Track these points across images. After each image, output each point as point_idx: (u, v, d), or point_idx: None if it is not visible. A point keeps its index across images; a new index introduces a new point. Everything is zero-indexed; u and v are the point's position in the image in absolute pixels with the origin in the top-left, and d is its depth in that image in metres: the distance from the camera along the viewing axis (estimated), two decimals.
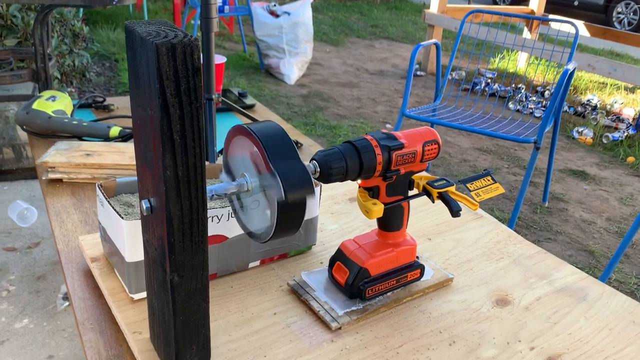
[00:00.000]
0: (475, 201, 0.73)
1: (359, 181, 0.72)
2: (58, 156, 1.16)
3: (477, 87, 4.15)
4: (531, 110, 3.86)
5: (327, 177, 0.66)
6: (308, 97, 4.25)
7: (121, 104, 1.66)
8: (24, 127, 1.34)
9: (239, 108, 1.31)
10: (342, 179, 0.68)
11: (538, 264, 0.91)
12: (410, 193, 0.77)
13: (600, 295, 0.84)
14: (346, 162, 0.67)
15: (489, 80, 4.34)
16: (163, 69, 0.47)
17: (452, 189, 0.75)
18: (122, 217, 0.71)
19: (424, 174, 0.78)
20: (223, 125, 1.50)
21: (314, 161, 0.66)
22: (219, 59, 1.63)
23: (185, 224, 0.54)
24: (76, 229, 0.98)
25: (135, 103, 0.55)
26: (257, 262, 0.85)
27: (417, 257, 0.82)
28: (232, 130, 0.63)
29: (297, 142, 1.42)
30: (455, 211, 0.72)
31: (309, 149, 1.44)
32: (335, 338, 0.72)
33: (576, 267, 1.02)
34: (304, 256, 0.89)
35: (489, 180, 0.79)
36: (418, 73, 5.14)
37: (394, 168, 0.71)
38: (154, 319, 0.65)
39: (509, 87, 4.16)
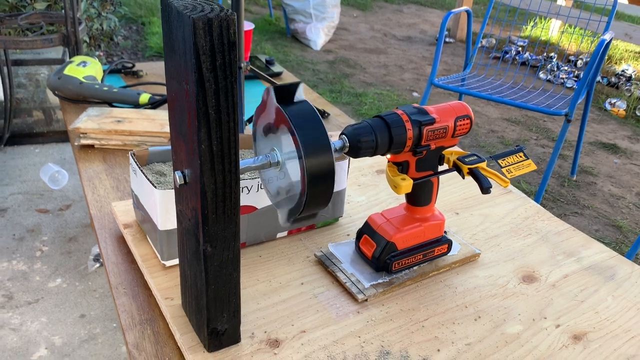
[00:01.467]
0: (507, 178, 0.73)
1: (389, 156, 0.72)
2: (89, 122, 1.18)
3: (508, 56, 4.06)
4: (562, 81, 3.76)
5: (356, 151, 0.66)
6: (334, 63, 4.21)
7: (149, 69, 1.67)
8: (56, 92, 1.36)
9: (267, 76, 1.30)
10: (372, 153, 0.68)
11: (566, 241, 0.91)
12: (440, 168, 0.77)
13: (629, 275, 0.84)
14: (376, 136, 0.66)
15: (520, 49, 4.23)
16: (200, 44, 0.47)
17: (483, 165, 0.74)
18: (155, 187, 0.73)
19: (455, 148, 0.77)
20: (250, 93, 1.51)
21: (344, 135, 0.66)
22: (247, 25, 1.62)
23: (218, 197, 0.55)
24: (108, 195, 1.01)
25: (170, 76, 0.55)
26: (285, 233, 0.86)
27: (445, 232, 0.82)
28: (262, 104, 0.63)
29: (324, 112, 1.42)
30: (485, 188, 0.71)
31: (336, 119, 1.43)
32: (361, 309, 0.73)
33: (603, 242, 1.01)
34: (331, 228, 0.90)
35: (520, 157, 0.78)
36: (447, 40, 5.04)
37: (425, 143, 0.71)
38: (186, 287, 0.67)
39: (540, 56, 4.05)
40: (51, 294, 1.55)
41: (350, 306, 0.73)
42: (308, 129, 0.58)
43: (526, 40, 4.44)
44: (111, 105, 1.35)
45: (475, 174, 0.73)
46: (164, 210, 0.73)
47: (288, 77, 1.71)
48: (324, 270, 0.80)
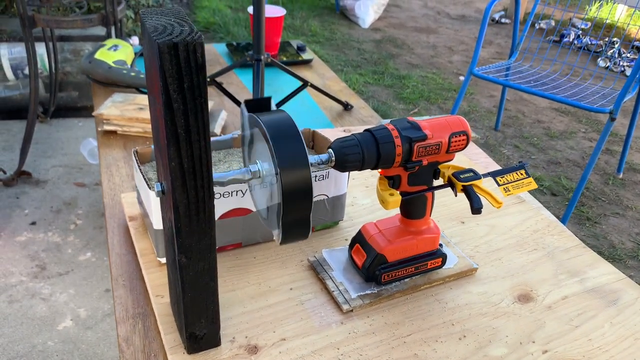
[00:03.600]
0: (499, 199, 0.71)
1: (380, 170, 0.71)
2: (113, 109, 1.21)
3: (565, 40, 3.87)
4: (622, 69, 3.57)
5: (342, 166, 0.66)
6: (381, 42, 4.14)
7: None
8: (88, 75, 1.41)
9: (288, 69, 1.30)
10: (359, 168, 0.67)
11: (573, 259, 0.88)
12: (437, 183, 0.75)
13: (634, 301, 0.80)
14: (363, 151, 0.66)
15: (580, 32, 4.02)
16: (166, 67, 0.48)
17: (478, 182, 0.72)
18: (150, 188, 0.75)
19: (453, 162, 0.75)
20: (277, 81, 1.50)
21: (330, 150, 0.66)
22: (276, 11, 1.62)
23: (191, 210, 0.56)
24: (123, 183, 1.04)
25: (149, 91, 0.56)
26: None
27: (441, 244, 0.81)
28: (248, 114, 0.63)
29: (346, 104, 1.41)
30: (475, 208, 0.69)
31: (359, 112, 1.42)
32: (345, 320, 0.73)
33: None
34: (330, 231, 0.90)
35: (522, 174, 0.76)
36: (503, 20, 4.85)
37: (416, 159, 0.69)
38: (171, 288, 0.69)
39: (601, 41, 3.84)
40: (80, 267, 1.63)
41: (335, 316, 0.74)
42: (284, 139, 0.58)
43: (588, 23, 4.22)
44: (139, 91, 1.39)
45: (468, 192, 0.71)
46: (158, 210, 0.75)
47: (318, 65, 1.70)
48: (315, 276, 0.80)
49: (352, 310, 0.74)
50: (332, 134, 1.20)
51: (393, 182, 0.72)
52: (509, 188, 0.74)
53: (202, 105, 0.51)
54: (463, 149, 0.72)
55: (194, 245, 0.59)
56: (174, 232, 0.58)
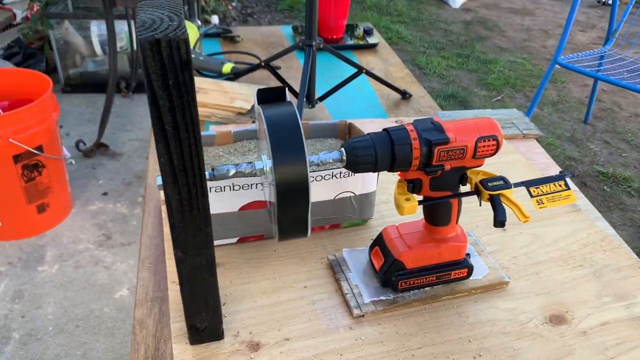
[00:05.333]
0: (527, 213, 0.64)
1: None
2: None
3: None
4: None
5: (353, 166, 0.63)
6: (470, 24, 3.95)
7: (248, 34, 1.69)
8: None
9: (341, 55, 1.26)
10: (372, 169, 0.63)
11: (623, 280, 0.79)
12: (464, 189, 0.70)
13: None
14: (376, 152, 0.62)
15: None
16: (149, 64, 0.47)
17: (507, 192, 0.66)
18: None
19: (482, 168, 0.69)
20: (336, 66, 1.47)
21: (342, 149, 0.63)
22: None
23: (184, 207, 0.56)
24: None
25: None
26: None
27: (468, 254, 0.76)
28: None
29: (405, 92, 1.35)
30: (498, 220, 0.64)
31: (418, 101, 1.36)
32: (354, 325, 0.71)
33: None
34: (358, 229, 0.87)
35: (560, 186, 0.68)
36: (610, 2, 4.47)
37: (437, 163, 0.64)
38: None
39: None
40: None
41: (344, 320, 0.71)
42: (282, 134, 0.56)
43: None
44: (199, 72, 1.41)
45: (494, 202, 0.66)
46: None
47: (383, 50, 1.64)
48: (332, 276, 0.78)
49: (363, 316, 0.72)
50: (381, 125, 1.16)
51: (413, 185, 0.67)
52: (543, 200, 0.67)
53: (189, 102, 0.50)
54: (493, 154, 0.66)
55: (190, 240, 0.58)
56: (170, 226, 0.58)
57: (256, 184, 0.77)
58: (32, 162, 1.72)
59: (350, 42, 1.64)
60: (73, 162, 1.98)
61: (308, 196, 0.56)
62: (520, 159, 1.07)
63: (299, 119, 0.57)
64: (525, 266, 0.81)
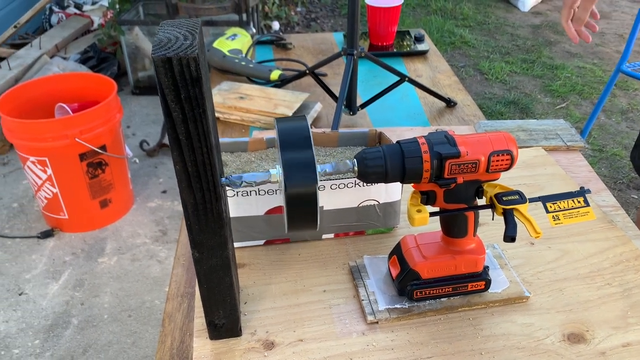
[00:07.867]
0: (539, 229, 0.64)
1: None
2: (217, 96, 1.30)
3: None
4: None
5: (364, 176, 0.65)
6: (539, 28, 3.83)
7: (300, 41, 1.74)
8: (208, 62, 1.52)
9: (383, 63, 1.27)
10: (383, 180, 0.65)
11: None
12: (480, 202, 0.70)
13: None
14: (386, 163, 0.64)
15: None
16: (161, 79, 0.51)
17: (521, 207, 0.66)
18: None
19: (499, 181, 0.69)
20: (382, 73, 1.48)
21: (354, 159, 0.65)
22: (393, 0, 1.58)
23: (199, 211, 0.60)
24: None
25: None
26: (331, 235, 0.87)
27: (487, 267, 0.76)
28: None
29: (449, 100, 1.34)
30: (507, 235, 0.64)
31: (463, 110, 1.35)
32: (367, 331, 0.72)
33: None
34: (382, 237, 0.88)
35: (579, 202, 0.67)
36: None
37: (449, 177, 0.65)
38: None
39: None
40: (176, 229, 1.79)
41: (358, 325, 0.73)
42: (293, 148, 0.58)
43: None
44: (249, 79, 1.46)
45: (506, 217, 0.66)
46: None
47: (434, 57, 1.63)
48: (351, 282, 0.80)
49: (377, 322, 0.73)
50: (420, 133, 1.16)
51: (427, 197, 0.68)
52: (559, 217, 0.66)
53: (200, 115, 0.54)
54: (507, 169, 0.66)
55: (205, 242, 0.62)
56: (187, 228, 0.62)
57: (274, 191, 0.81)
58: (97, 160, 1.85)
59: (400, 49, 1.65)
60: (137, 160, 2.10)
61: (315, 207, 0.59)
62: (559, 171, 1.04)
63: (309, 130, 0.60)
64: (550, 282, 0.80)
